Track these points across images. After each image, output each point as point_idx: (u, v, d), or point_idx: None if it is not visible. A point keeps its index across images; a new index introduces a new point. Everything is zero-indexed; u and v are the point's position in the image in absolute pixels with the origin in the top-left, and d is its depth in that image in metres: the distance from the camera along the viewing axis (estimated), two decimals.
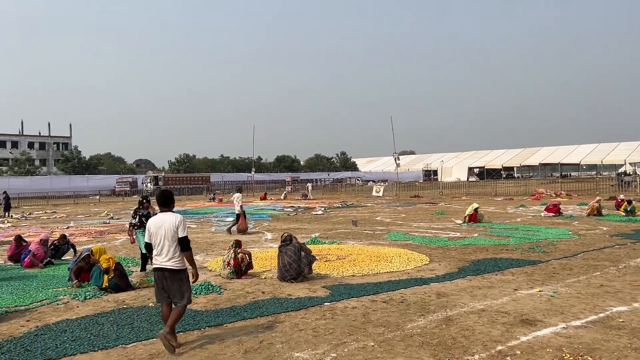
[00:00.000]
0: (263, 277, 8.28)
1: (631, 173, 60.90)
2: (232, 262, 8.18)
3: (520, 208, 22.71)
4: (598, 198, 19.38)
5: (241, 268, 8.22)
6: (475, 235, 13.25)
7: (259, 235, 14.86)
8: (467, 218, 16.48)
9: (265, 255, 10.63)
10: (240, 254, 8.27)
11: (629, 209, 17.31)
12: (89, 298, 7.29)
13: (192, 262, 5.18)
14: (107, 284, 7.45)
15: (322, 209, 25.22)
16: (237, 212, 15.49)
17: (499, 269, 8.44)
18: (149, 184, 58.94)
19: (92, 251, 8.05)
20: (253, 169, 55.34)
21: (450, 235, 13.31)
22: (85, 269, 8.11)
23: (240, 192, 16.37)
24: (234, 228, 15.39)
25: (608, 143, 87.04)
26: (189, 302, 5.26)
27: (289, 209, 25.92)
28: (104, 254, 7.87)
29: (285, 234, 8.18)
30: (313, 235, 13.92)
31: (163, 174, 64.86)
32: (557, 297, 6.47)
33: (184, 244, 5.08)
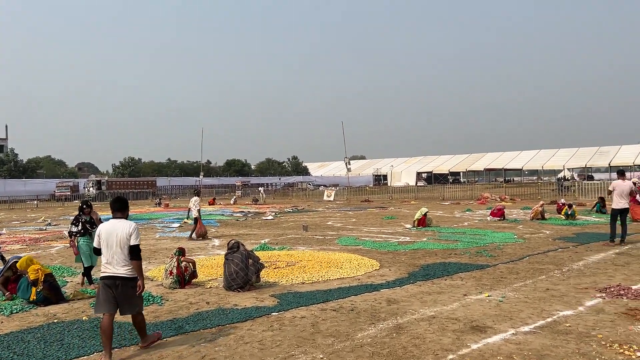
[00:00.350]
0: (208, 287, 7.91)
1: (569, 178, 63.87)
2: (175, 270, 7.76)
3: (467, 212, 23.19)
4: (542, 202, 20.00)
5: (185, 277, 7.83)
6: (425, 239, 13.32)
7: (205, 241, 14.38)
8: (416, 222, 16.61)
9: (211, 263, 10.25)
10: (184, 262, 7.87)
11: (569, 213, 17.95)
12: (16, 312, 6.71)
13: (140, 272, 5.04)
14: (35, 297, 6.87)
15: (273, 214, 24.88)
16: (194, 216, 15.18)
17: (448, 274, 8.43)
18: (91, 189, 56.70)
19: (14, 264, 7.42)
20: (201, 173, 54.14)
21: (400, 240, 13.32)
22: (12, 280, 7.49)
23: (198, 196, 16.15)
24: (194, 234, 15.03)
25: (548, 149, 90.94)
26: (141, 311, 5.21)
27: (238, 214, 25.43)
28: (33, 264, 7.28)
29: (232, 241, 7.85)
30: (262, 241, 13.61)
31: (106, 178, 62.54)
32: (506, 302, 6.47)
33: (134, 253, 4.97)
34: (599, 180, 50.90)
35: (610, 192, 11.59)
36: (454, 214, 22.49)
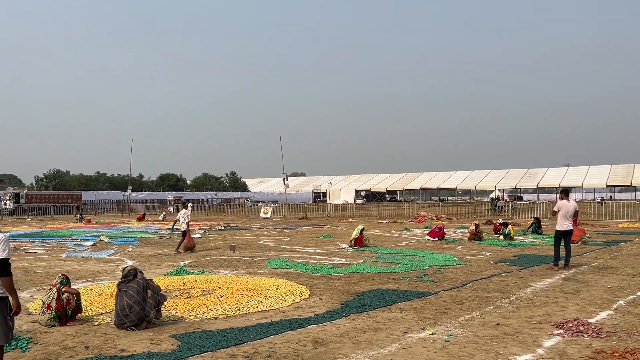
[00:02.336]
0: (96, 324, 6.41)
1: (500, 198, 65.89)
2: (54, 304, 6.24)
3: (405, 231, 22.56)
4: (475, 222, 19.63)
5: (66, 312, 6.31)
6: (361, 261, 12.30)
7: (116, 263, 12.67)
8: (352, 242, 15.62)
9: (113, 291, 8.68)
10: (66, 294, 6.35)
11: (506, 233, 17.59)
12: None
13: (12, 290, 4.16)
14: None
15: (202, 231, 23.22)
16: (182, 229, 15.21)
17: (386, 304, 7.38)
18: (7, 202, 52.26)
19: None
20: (130, 187, 51.04)
21: (335, 262, 12.23)
22: None
23: (187, 208, 15.96)
24: (181, 247, 15.05)
25: (481, 170, 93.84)
26: (8, 342, 4.33)
27: (164, 232, 23.54)
28: None
29: (128, 267, 6.43)
30: (181, 264, 12.12)
31: (25, 191, 57.93)
32: (453, 342, 5.47)
33: (1, 267, 4.08)
34: (528, 200, 52.58)
35: (554, 213, 11.03)
36: (391, 232, 21.77)
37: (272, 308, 7.20)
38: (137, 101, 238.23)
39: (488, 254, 13.55)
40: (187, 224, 15.18)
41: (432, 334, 5.80)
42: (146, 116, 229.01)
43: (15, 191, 56.26)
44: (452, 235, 19.73)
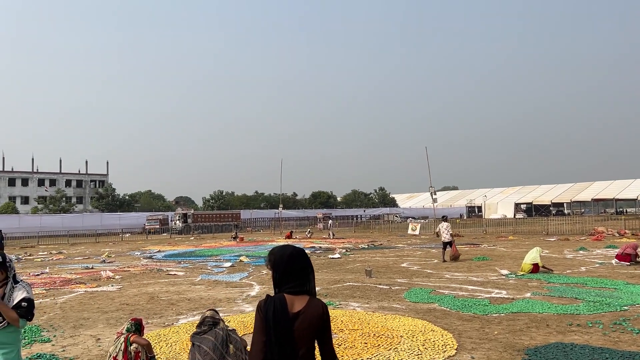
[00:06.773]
0: None
1: None
2: (120, 357, 4.99)
3: (581, 251, 18.67)
4: None
5: None
6: (528, 295, 9.62)
7: (243, 289, 11.65)
8: (523, 270, 12.72)
9: None
10: (134, 345, 5.07)
11: None
12: None
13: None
14: None
15: (343, 250, 21.83)
16: (445, 240, 16.52)
17: None
18: (177, 222, 57.12)
19: None
20: (281, 205, 52.25)
21: (493, 295, 9.72)
22: None
23: (447, 221, 17.55)
24: (447, 256, 16.44)
25: None
26: None
27: (307, 251, 22.64)
28: None
29: (207, 312, 4.93)
30: None
31: (192, 211, 62.84)
32: None
33: None
34: None
35: None
36: (563, 253, 18.09)
37: None
38: (291, 122, 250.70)
39: None
40: (451, 235, 16.62)
41: None
42: (300, 136, 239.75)
43: (183, 211, 61.37)
44: None
